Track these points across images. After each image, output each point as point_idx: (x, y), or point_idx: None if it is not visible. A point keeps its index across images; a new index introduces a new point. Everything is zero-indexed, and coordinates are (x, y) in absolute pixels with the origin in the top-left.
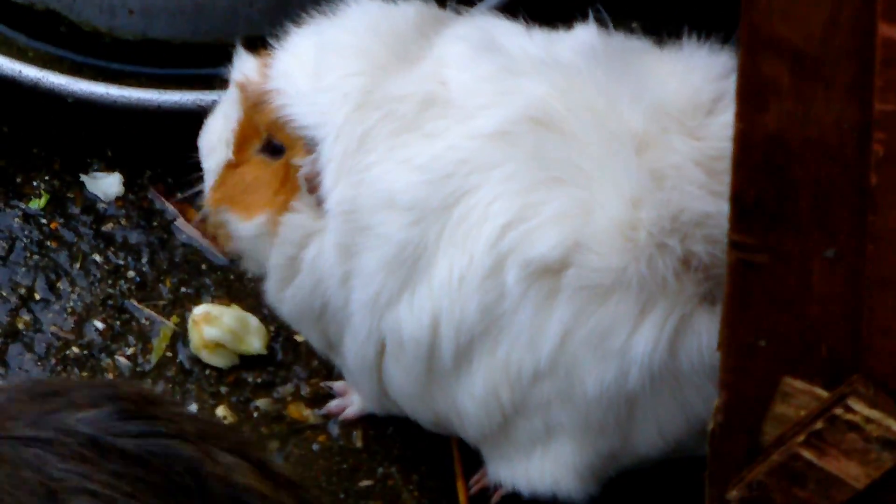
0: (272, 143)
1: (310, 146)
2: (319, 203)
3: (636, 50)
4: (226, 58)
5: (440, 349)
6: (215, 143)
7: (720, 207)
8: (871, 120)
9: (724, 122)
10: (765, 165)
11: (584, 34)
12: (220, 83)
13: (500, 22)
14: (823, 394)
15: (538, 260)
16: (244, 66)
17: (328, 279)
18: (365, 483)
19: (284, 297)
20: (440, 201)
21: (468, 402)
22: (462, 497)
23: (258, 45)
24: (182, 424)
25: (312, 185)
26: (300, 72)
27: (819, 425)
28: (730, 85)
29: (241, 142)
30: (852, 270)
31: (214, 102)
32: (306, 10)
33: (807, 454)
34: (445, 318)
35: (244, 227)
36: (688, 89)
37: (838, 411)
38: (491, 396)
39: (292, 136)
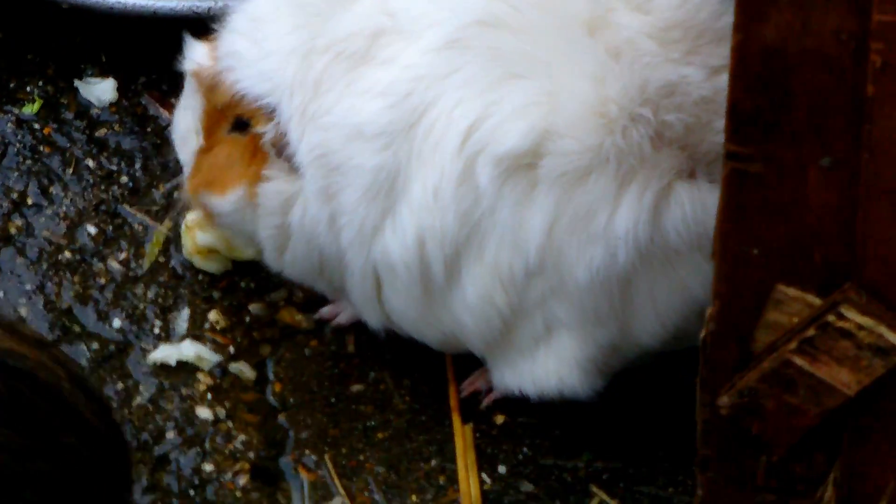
0: (240, 120)
1: (269, 113)
2: (291, 164)
3: None
4: None
5: (430, 267)
6: (185, 133)
7: (682, 74)
8: (869, 30)
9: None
10: (762, 76)
11: None
12: None
13: None
14: (816, 301)
15: (509, 154)
16: (194, 53)
17: (317, 230)
18: (356, 387)
19: (284, 263)
20: (405, 121)
21: (465, 313)
22: (453, 401)
23: None
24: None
25: (280, 149)
26: (243, 46)
27: (811, 332)
28: None
29: (209, 126)
30: (847, 179)
31: (210, 10)
32: None
33: (798, 361)
34: (429, 235)
35: (222, 203)
36: None
37: (831, 318)
38: (486, 303)
39: (252, 109)
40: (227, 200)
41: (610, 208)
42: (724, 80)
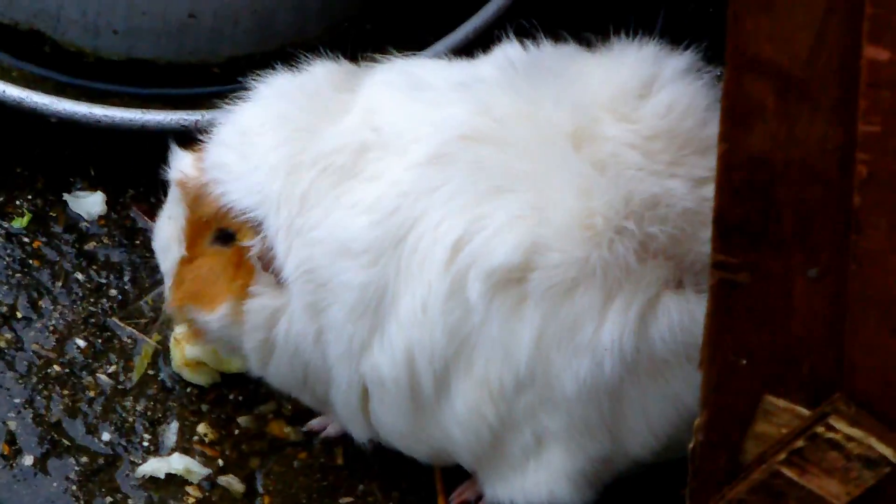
0: (223, 232)
1: (256, 226)
2: (278, 278)
3: (562, 56)
4: (210, 78)
5: (419, 382)
6: (167, 242)
7: (666, 187)
8: (855, 141)
9: (655, 103)
10: (748, 186)
11: (506, 50)
12: (205, 103)
13: (420, 61)
14: (805, 412)
15: (499, 268)
16: (180, 163)
17: (303, 345)
18: (346, 500)
19: (269, 374)
20: (392, 237)
21: (454, 427)
22: None
23: (242, 64)
24: None
25: (266, 263)
26: (231, 159)
27: (800, 443)
28: (660, 69)
29: (192, 237)
30: (835, 290)
31: (197, 122)
32: (290, 29)
33: (788, 472)
34: (417, 350)
35: (209, 319)
36: (616, 79)
37: (820, 430)
38: (475, 416)
39: (238, 222)
40: (214, 316)
41: (596, 320)
42: (708, 190)
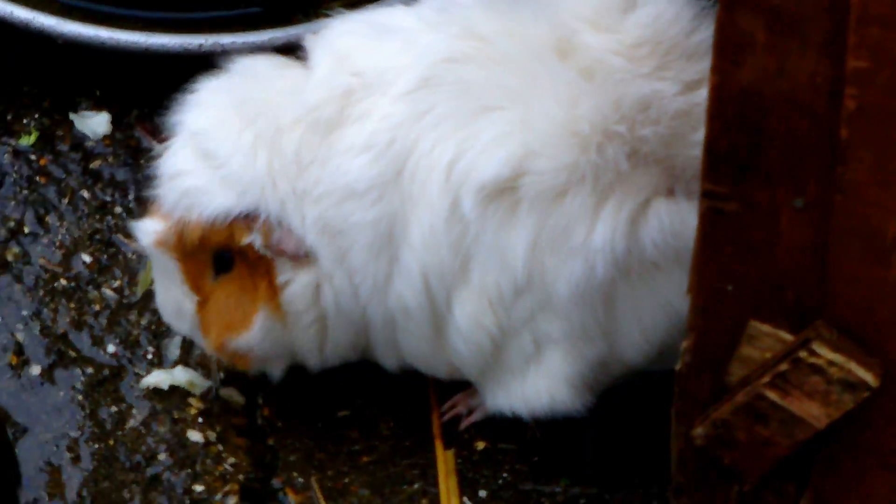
0: (219, 257)
1: (247, 221)
2: (296, 254)
3: None
4: (210, 4)
5: (436, 303)
6: (177, 306)
7: (654, 88)
8: (844, 76)
9: (640, 14)
10: (738, 118)
11: None
12: (205, 27)
13: (374, 11)
14: (788, 337)
15: (489, 182)
16: (145, 228)
17: (344, 298)
18: (343, 413)
19: (327, 357)
20: (391, 170)
21: (459, 340)
22: (436, 427)
23: None
24: None
25: (278, 248)
26: (191, 179)
27: (783, 367)
28: None
29: (195, 281)
30: (819, 220)
31: (200, 45)
32: None
33: (771, 395)
34: (430, 272)
35: (250, 336)
36: None
37: (802, 354)
38: (476, 327)
39: (226, 231)
40: (254, 330)
41: (588, 223)
42: (699, 94)
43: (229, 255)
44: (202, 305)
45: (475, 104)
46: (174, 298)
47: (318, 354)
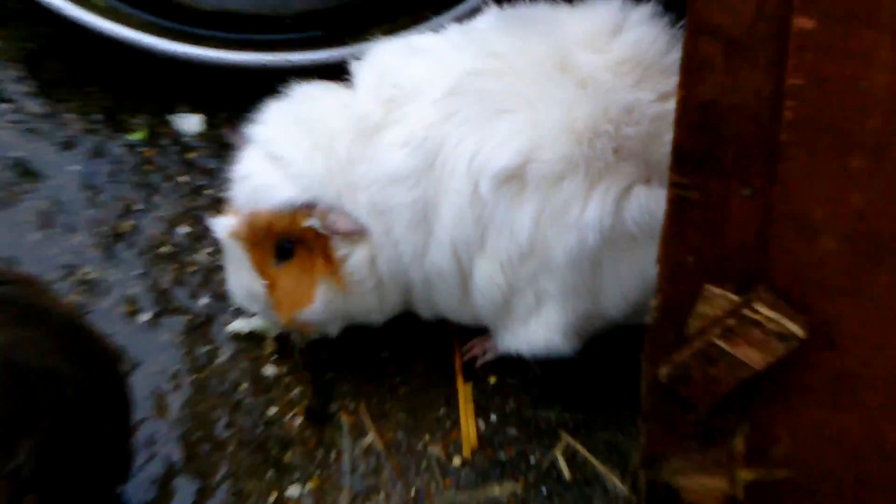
0: (280, 248)
1: (308, 207)
2: (352, 232)
3: (543, 9)
4: (283, 26)
5: (463, 267)
6: (248, 290)
7: (636, 97)
8: (784, 91)
9: (625, 38)
10: (699, 123)
11: (491, 13)
12: (278, 46)
13: (409, 36)
14: (735, 298)
15: (502, 170)
16: (220, 224)
17: (392, 265)
18: (385, 354)
19: (386, 313)
20: (426, 161)
21: (477, 295)
22: (457, 365)
23: (307, 17)
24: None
25: (332, 226)
26: (260, 179)
27: (731, 322)
28: (629, 15)
29: (262, 268)
30: (763, 206)
31: (272, 61)
32: None
33: (720, 343)
34: (457, 242)
35: (313, 308)
36: (590, 22)
37: (746, 311)
38: (490, 285)
39: (288, 219)
40: (317, 303)
41: (581, 203)
42: (671, 103)
43: (289, 244)
44: (271, 287)
45: (492, 108)
46: (245, 283)
47: (379, 312)
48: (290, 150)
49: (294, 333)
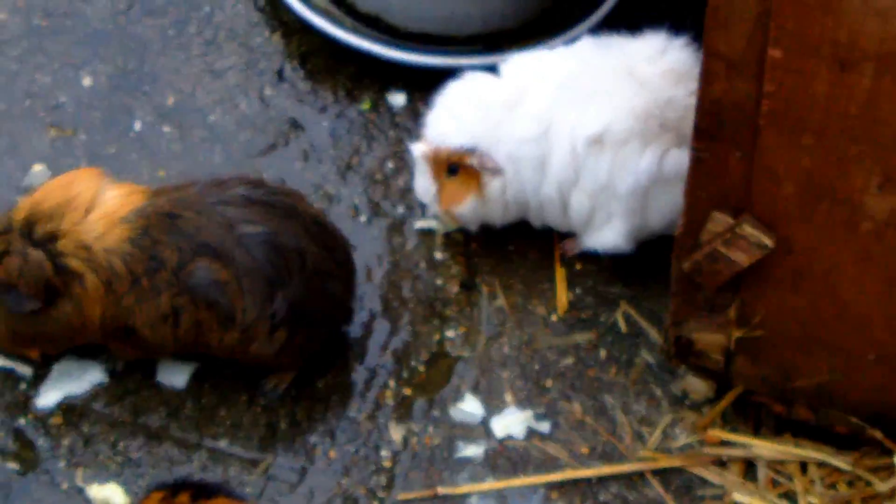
0: (451, 166)
1: (470, 152)
2: (494, 170)
3: (618, 39)
4: (457, 43)
5: (564, 196)
6: (425, 187)
7: (675, 92)
8: (762, 93)
9: (669, 57)
10: (710, 112)
11: (586, 40)
12: (455, 54)
13: (535, 51)
14: (731, 220)
15: (591, 136)
16: (417, 148)
17: (519, 193)
18: (511, 247)
19: (507, 218)
20: (544, 129)
21: (572, 213)
22: (556, 254)
23: (473, 39)
24: (285, 190)
25: (484, 165)
26: (446, 127)
27: (728, 235)
28: (671, 43)
29: (437, 177)
30: (748, 163)
31: (449, 63)
32: (498, 22)
33: (721, 248)
34: (562, 181)
35: (462, 208)
36: (645, 46)
37: (737, 230)
38: (580, 206)
39: (458, 155)
40: (465, 206)
41: (637, 158)
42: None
43: (455, 167)
44: (440, 189)
45: (584, 96)
46: (426, 184)
47: (502, 218)
48: (461, 112)
49: (453, 231)
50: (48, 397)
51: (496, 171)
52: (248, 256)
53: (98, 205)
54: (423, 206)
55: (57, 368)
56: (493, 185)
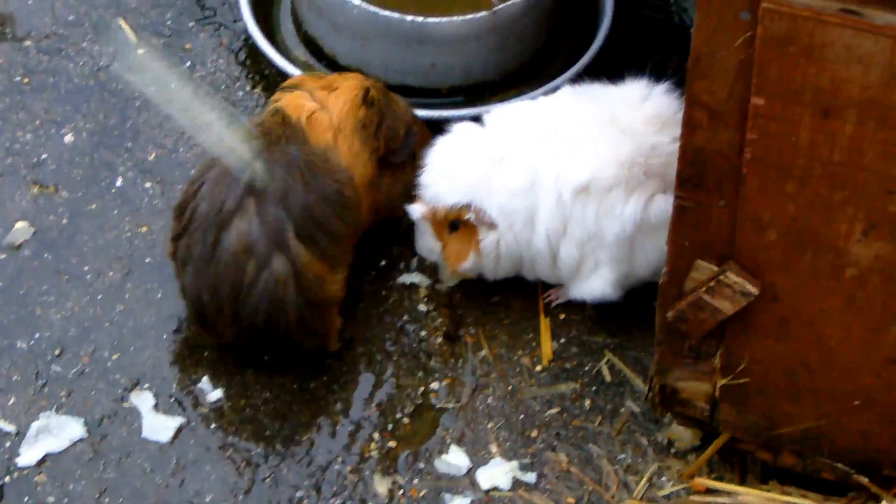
0: (452, 224)
1: (466, 206)
2: (489, 224)
3: (599, 85)
4: (440, 95)
5: (553, 248)
6: (430, 246)
7: (658, 140)
8: (745, 140)
9: (651, 103)
10: (693, 160)
11: (566, 88)
12: (436, 107)
13: (516, 102)
14: (715, 268)
15: (577, 185)
16: (415, 211)
17: (512, 248)
18: (495, 299)
19: (499, 273)
20: (531, 181)
21: (561, 265)
22: (541, 304)
23: (456, 90)
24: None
25: (480, 220)
26: (440, 187)
27: (712, 283)
28: (653, 89)
29: (438, 235)
30: (732, 212)
31: (437, 115)
32: (481, 73)
33: (706, 297)
34: (550, 233)
35: (466, 265)
36: (627, 93)
37: (722, 277)
38: (569, 256)
39: (455, 213)
40: (468, 262)
41: (622, 205)
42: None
43: (456, 223)
44: (444, 248)
45: (569, 144)
46: (428, 244)
47: (493, 273)
48: (454, 169)
49: (440, 284)
50: (29, 455)
51: (491, 226)
52: None
53: None
54: (405, 261)
55: (35, 426)
56: (488, 239)
